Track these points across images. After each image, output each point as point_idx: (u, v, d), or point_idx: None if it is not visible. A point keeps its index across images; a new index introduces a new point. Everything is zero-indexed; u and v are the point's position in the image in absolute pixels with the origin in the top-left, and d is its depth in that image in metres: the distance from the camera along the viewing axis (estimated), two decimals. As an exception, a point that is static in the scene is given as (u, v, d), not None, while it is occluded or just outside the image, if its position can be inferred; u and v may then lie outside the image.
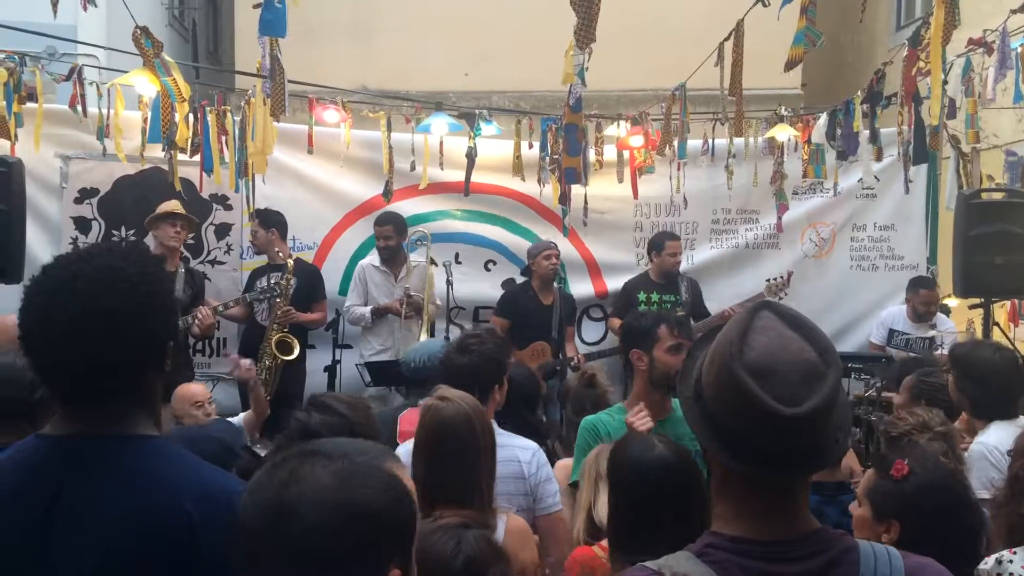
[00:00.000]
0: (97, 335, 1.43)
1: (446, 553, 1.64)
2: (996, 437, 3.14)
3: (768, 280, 6.51)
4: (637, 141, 6.33)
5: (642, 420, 2.93)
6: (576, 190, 5.87)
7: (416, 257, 6.20)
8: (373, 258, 6.23)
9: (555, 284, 6.05)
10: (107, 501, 1.39)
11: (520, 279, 6.59)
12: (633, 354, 3.24)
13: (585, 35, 3.41)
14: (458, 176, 6.32)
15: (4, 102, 5.11)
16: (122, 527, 1.38)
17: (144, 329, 1.47)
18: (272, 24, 3.70)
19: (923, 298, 6.32)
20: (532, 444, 3.03)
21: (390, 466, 1.23)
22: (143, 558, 1.34)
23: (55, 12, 3.94)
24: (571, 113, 4.35)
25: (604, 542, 2.29)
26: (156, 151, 5.47)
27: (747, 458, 1.29)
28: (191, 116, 5.31)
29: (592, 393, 4.10)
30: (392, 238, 6.10)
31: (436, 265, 6.12)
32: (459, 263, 6.60)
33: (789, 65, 3.82)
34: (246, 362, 4.79)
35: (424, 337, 5.78)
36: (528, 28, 8.28)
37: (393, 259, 6.16)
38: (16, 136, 5.31)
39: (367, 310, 6.07)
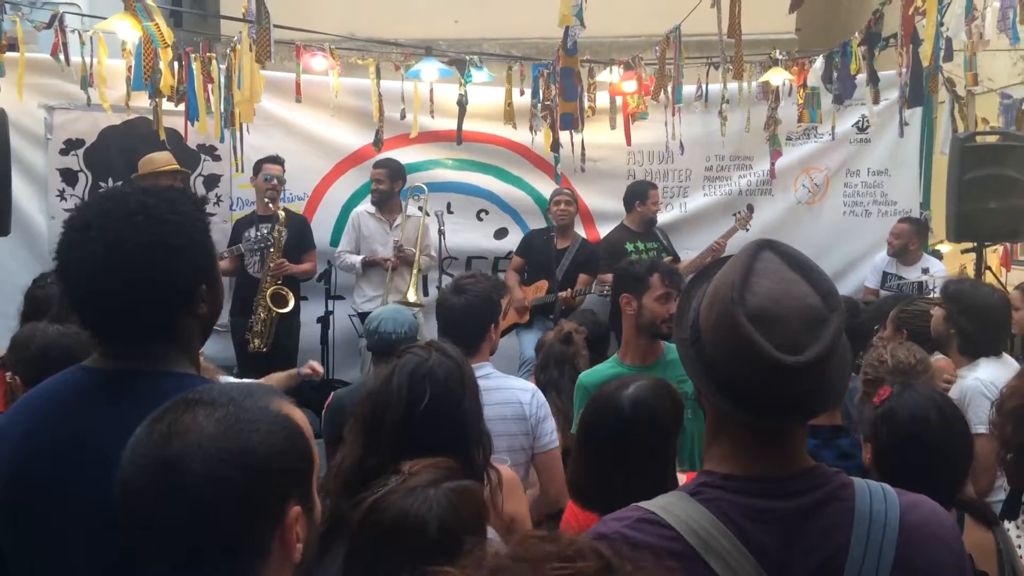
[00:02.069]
0: (121, 273, 1.43)
1: (421, 519, 1.58)
2: (990, 374, 3.18)
3: (735, 215, 6.54)
4: (630, 87, 6.23)
5: None
6: (571, 137, 5.81)
7: (412, 209, 6.16)
8: (367, 205, 6.19)
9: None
10: (122, 432, 1.39)
11: (512, 229, 6.64)
12: (623, 298, 3.28)
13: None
14: (449, 125, 6.24)
15: (-15, 51, 5.01)
16: None
17: (170, 269, 1.46)
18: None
19: (892, 231, 6.21)
20: (530, 385, 3.10)
21: (278, 405, 1.19)
22: None
23: None
24: (566, 56, 4.27)
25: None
26: (142, 100, 5.38)
27: (745, 403, 1.27)
28: (175, 63, 5.21)
29: (564, 351, 3.87)
30: (384, 182, 6.06)
31: (429, 216, 6.09)
32: (451, 213, 6.55)
33: (793, 6, 3.76)
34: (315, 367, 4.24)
35: (412, 290, 5.77)
36: (519, -27, 8.09)
37: (385, 204, 6.11)
38: (-1, 86, 5.23)
39: (357, 260, 6.05)
